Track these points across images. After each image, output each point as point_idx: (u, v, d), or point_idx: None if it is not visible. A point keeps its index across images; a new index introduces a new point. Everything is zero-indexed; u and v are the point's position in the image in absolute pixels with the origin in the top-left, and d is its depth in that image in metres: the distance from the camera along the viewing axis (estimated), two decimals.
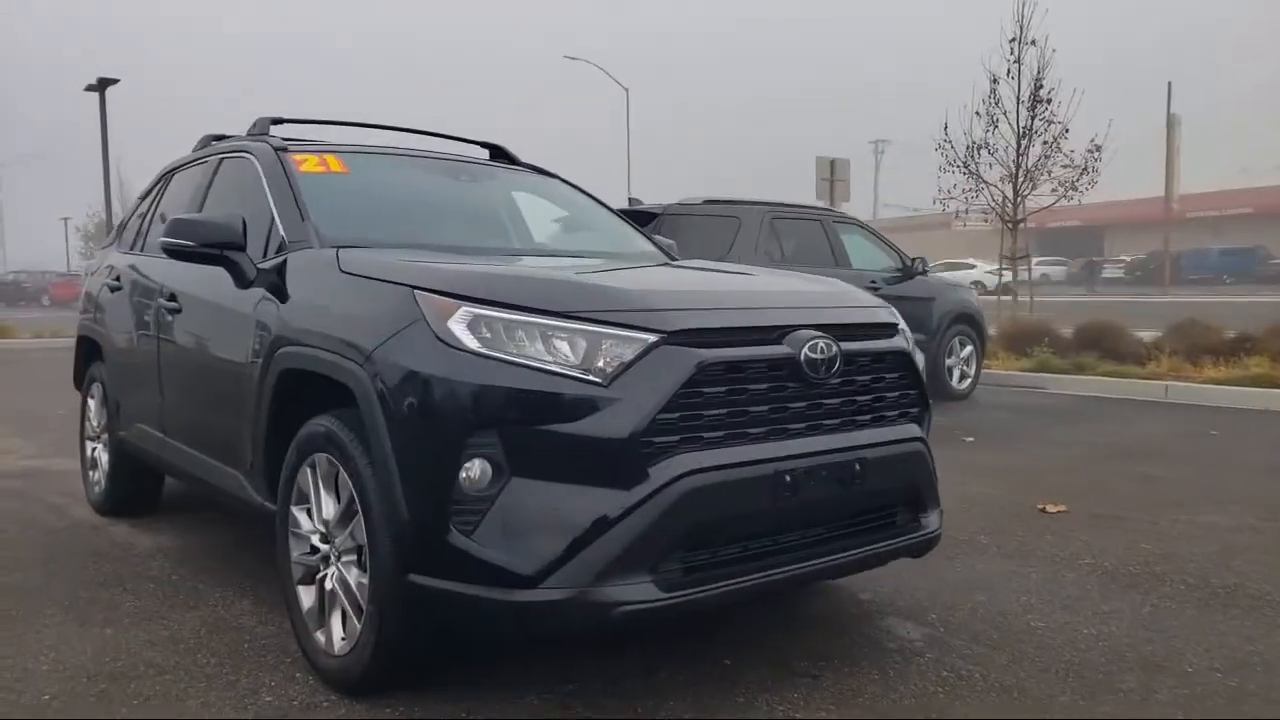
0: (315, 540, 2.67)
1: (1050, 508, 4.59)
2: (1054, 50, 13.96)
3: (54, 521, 4.46)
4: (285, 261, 2.99)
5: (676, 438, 2.23)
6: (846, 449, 2.50)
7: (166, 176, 4.53)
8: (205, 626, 3.08)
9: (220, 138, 4.27)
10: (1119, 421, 7.55)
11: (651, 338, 2.25)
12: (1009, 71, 14.12)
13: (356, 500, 2.44)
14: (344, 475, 2.50)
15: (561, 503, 2.17)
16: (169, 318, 3.66)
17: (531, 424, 2.19)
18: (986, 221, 16.00)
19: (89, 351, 4.72)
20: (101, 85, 19.13)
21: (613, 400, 2.18)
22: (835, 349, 2.48)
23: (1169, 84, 34.92)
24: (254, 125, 3.86)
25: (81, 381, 4.85)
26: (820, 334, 2.47)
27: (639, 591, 2.17)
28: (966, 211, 15.61)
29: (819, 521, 2.51)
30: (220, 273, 3.18)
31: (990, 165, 14.56)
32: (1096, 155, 14.12)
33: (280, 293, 2.93)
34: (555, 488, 2.18)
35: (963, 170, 14.53)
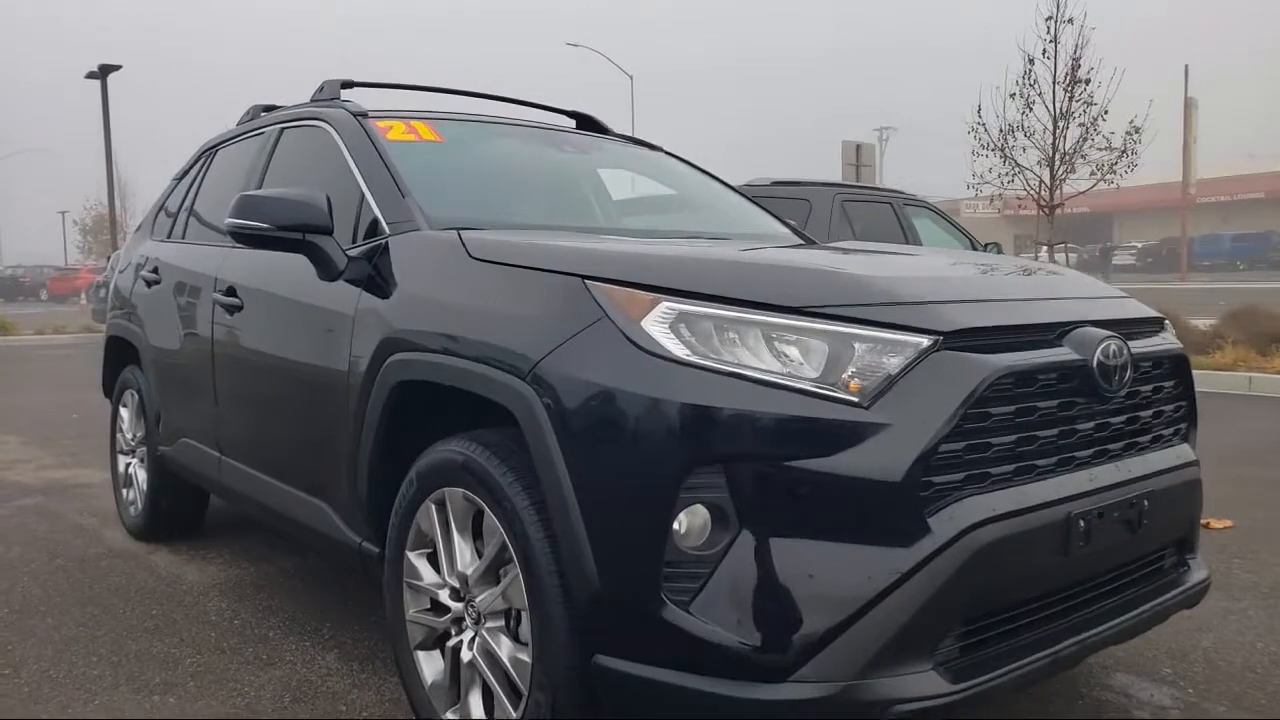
0: (443, 596, 2.12)
1: (1214, 523, 4.05)
2: (1094, 28, 13.47)
3: (85, 548, 3.89)
4: (386, 247, 2.43)
5: (961, 475, 1.68)
6: (1134, 480, 1.94)
7: (208, 153, 3.96)
8: (289, 692, 2.53)
9: (270, 108, 3.71)
10: (1217, 418, 6.98)
11: (924, 341, 1.69)
12: (1044, 51, 13.61)
13: (512, 552, 1.88)
14: (491, 518, 1.94)
15: (813, 566, 1.62)
16: (227, 316, 3.09)
17: (768, 459, 1.64)
18: (1022, 206, 15.49)
19: (121, 354, 4.14)
20: (103, 72, 18.49)
21: (878, 426, 1.62)
22: (1126, 352, 1.92)
23: (1186, 67, 34.23)
24: (321, 90, 3.28)
25: (112, 388, 4.28)
26: (1109, 333, 1.91)
27: (921, 684, 1.62)
28: (1001, 196, 15.14)
29: (1103, 574, 1.96)
30: (296, 261, 2.62)
31: (1024, 149, 14.09)
32: (1136, 137, 13.63)
33: (382, 285, 2.37)
34: (803, 545, 1.62)
35: (998, 154, 14.04)
